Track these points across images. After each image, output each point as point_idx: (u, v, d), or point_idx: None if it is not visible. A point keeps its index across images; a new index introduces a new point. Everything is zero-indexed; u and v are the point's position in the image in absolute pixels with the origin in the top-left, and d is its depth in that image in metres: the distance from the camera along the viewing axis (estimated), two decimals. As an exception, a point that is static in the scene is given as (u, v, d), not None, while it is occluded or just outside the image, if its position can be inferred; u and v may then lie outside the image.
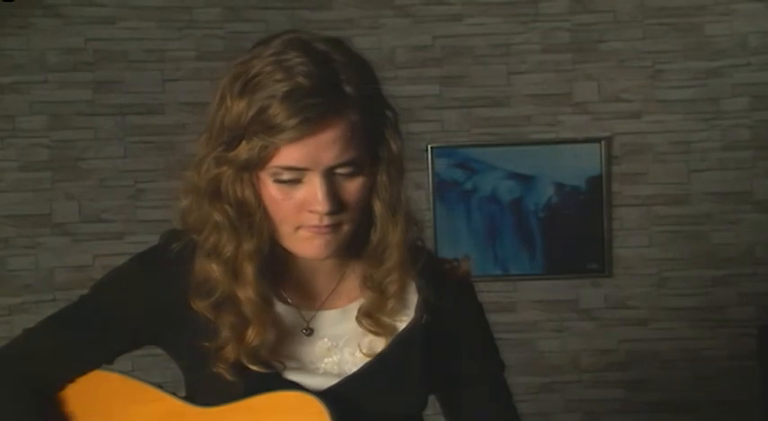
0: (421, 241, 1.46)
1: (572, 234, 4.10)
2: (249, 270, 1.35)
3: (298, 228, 1.34)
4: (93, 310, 1.46)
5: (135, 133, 3.93)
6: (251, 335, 1.36)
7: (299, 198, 1.31)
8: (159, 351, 1.48)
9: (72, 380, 1.47)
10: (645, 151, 4.08)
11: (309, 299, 1.44)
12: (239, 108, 1.28)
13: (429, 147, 4.01)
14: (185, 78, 3.96)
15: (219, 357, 1.36)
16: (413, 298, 1.43)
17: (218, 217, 1.34)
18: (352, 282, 1.44)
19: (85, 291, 1.50)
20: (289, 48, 1.30)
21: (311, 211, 1.31)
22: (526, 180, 4.08)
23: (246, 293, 1.36)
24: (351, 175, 1.32)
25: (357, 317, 1.42)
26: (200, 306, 1.37)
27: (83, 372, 1.47)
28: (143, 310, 1.42)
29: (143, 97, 3.93)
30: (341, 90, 1.29)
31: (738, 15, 4.01)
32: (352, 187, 1.33)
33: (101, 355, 1.47)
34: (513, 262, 4.11)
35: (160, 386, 1.44)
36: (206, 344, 1.36)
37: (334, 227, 1.33)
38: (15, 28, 3.80)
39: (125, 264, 1.47)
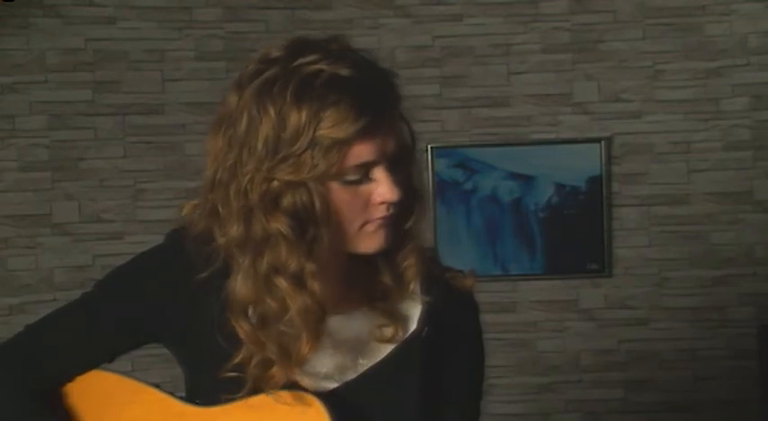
0: (431, 251, 1.46)
1: (572, 234, 4.10)
2: (316, 286, 1.32)
3: (363, 224, 1.34)
4: (96, 307, 1.45)
5: (135, 133, 3.93)
6: (304, 347, 1.33)
7: (366, 194, 1.32)
8: (159, 351, 1.47)
9: (72, 378, 1.46)
10: (645, 151, 4.08)
11: None
12: (298, 117, 1.26)
13: (429, 147, 4.00)
14: (185, 78, 3.96)
15: (267, 382, 1.34)
16: (416, 308, 1.43)
17: (281, 228, 1.29)
18: (358, 287, 1.43)
19: (86, 291, 1.49)
20: (330, 47, 1.30)
21: (380, 203, 1.33)
22: (526, 180, 4.08)
23: (305, 303, 1.32)
24: (405, 161, 1.35)
25: (372, 304, 1.41)
26: (245, 328, 1.34)
27: (84, 370, 1.46)
28: (147, 308, 1.42)
29: (143, 97, 3.93)
30: (391, 77, 1.33)
31: (738, 15, 4.01)
32: (407, 173, 1.36)
33: (102, 352, 1.47)
34: (513, 262, 4.11)
35: (158, 386, 1.44)
36: (234, 373, 1.34)
37: (392, 216, 1.35)
38: (15, 28, 3.79)
39: (131, 261, 1.47)
